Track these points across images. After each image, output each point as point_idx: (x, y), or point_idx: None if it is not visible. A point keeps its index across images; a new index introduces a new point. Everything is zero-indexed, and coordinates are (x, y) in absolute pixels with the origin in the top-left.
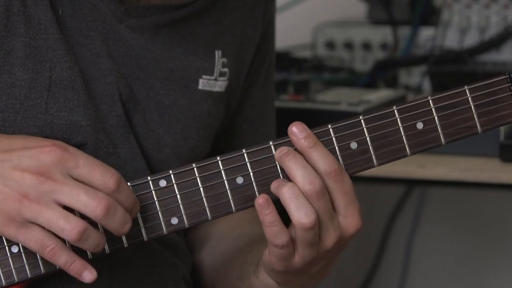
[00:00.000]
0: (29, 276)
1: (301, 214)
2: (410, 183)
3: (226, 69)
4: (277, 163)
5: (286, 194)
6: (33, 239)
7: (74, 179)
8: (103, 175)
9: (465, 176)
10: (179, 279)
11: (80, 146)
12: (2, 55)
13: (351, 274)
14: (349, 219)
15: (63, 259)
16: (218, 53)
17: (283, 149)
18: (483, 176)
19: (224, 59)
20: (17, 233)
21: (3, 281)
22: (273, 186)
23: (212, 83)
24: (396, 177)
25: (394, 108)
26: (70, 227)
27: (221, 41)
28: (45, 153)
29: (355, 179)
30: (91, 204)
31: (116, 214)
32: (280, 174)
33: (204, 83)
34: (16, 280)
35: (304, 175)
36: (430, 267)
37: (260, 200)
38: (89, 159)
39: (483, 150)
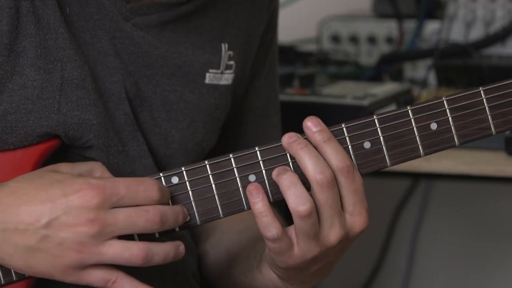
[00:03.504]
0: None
1: (297, 202)
2: (416, 177)
3: (232, 62)
4: (288, 155)
5: (285, 181)
6: (95, 279)
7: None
8: (145, 191)
9: (471, 170)
10: (187, 274)
11: (91, 146)
12: (13, 56)
13: (356, 268)
14: (356, 217)
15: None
16: (224, 46)
17: (292, 135)
18: (489, 170)
19: (230, 52)
20: (79, 279)
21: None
22: (274, 173)
23: (219, 77)
24: (402, 170)
25: (408, 108)
26: (134, 257)
27: (227, 34)
28: (88, 198)
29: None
30: (147, 225)
31: (169, 218)
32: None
33: (210, 77)
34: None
35: (315, 164)
36: (435, 260)
37: (251, 187)
38: (126, 183)
39: (489, 143)
